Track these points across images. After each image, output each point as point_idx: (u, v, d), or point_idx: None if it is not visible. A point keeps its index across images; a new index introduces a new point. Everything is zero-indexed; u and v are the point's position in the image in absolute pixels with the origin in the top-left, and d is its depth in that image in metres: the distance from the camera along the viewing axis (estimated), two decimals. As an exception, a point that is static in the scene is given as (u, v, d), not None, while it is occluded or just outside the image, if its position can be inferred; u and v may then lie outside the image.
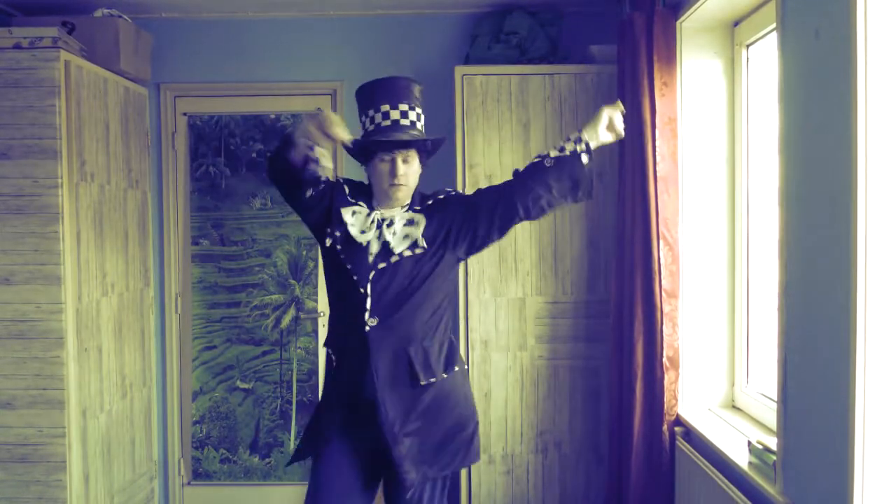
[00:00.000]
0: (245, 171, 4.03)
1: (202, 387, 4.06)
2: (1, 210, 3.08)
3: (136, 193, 3.79)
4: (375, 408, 2.30)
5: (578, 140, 2.35)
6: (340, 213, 2.37)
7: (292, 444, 4.04)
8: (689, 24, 3.00)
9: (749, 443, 2.44)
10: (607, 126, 2.37)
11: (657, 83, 2.99)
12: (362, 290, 2.31)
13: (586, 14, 3.79)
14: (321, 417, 2.44)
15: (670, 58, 3.02)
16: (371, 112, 2.38)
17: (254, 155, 4.03)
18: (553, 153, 2.36)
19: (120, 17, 3.53)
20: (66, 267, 3.10)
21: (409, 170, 2.36)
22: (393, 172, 2.33)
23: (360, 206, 2.40)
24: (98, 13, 3.52)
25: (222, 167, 4.04)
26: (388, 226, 2.36)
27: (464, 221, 2.36)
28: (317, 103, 3.99)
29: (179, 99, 4.02)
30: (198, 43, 3.95)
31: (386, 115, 2.35)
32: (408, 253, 2.33)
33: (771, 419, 2.58)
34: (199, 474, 4.07)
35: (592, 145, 2.36)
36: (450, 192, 2.48)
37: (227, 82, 3.97)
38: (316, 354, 4.03)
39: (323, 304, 4.02)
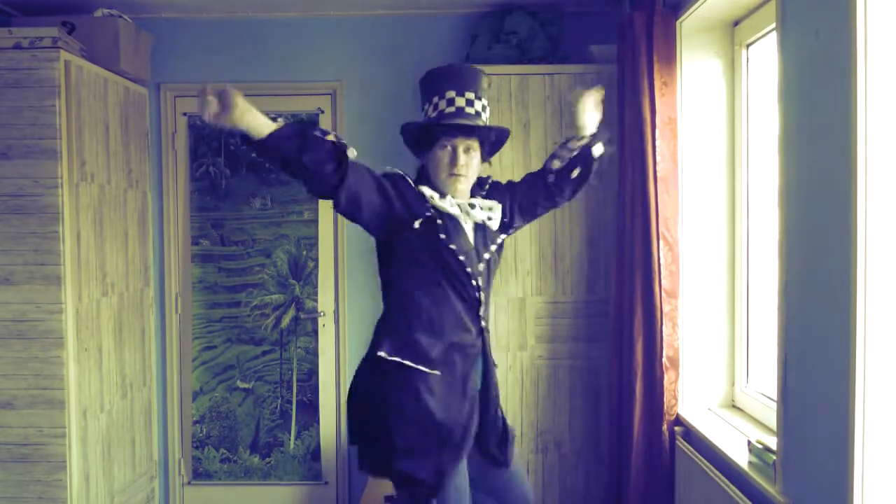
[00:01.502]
0: (245, 172, 4.03)
1: (202, 387, 4.06)
2: (1, 210, 3.08)
3: (136, 193, 3.79)
4: (487, 394, 2.33)
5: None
6: (423, 193, 2.22)
7: (292, 444, 4.04)
8: (689, 24, 3.00)
9: (749, 442, 2.45)
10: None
11: (657, 83, 2.99)
12: (473, 283, 2.24)
13: (586, 14, 3.79)
14: (436, 442, 2.22)
15: (670, 58, 3.02)
16: (435, 99, 2.25)
17: (253, 155, 4.01)
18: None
19: (120, 17, 3.53)
20: (66, 267, 3.10)
21: (471, 161, 2.26)
22: (453, 161, 2.22)
23: (431, 191, 2.26)
24: (98, 13, 3.52)
25: (222, 167, 4.04)
26: (472, 208, 2.28)
27: (509, 204, 2.40)
28: (317, 103, 3.99)
29: (179, 99, 4.02)
30: (198, 43, 3.95)
31: (451, 102, 2.22)
32: (502, 236, 2.36)
33: (771, 419, 2.58)
34: (200, 474, 4.07)
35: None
36: (488, 178, 2.47)
37: (227, 82, 3.95)
38: (316, 354, 4.03)
39: (323, 303, 4.02)
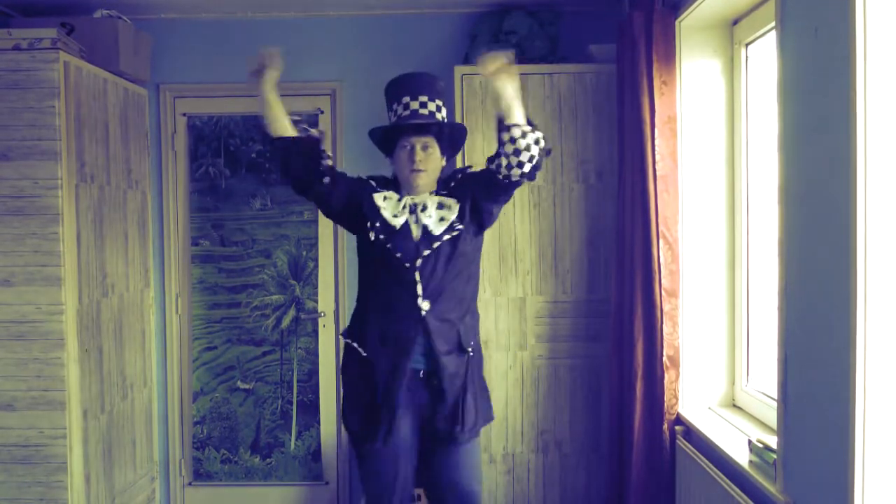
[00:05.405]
0: (245, 172, 4.03)
1: (203, 387, 4.06)
2: (1, 211, 3.08)
3: (135, 194, 3.79)
4: (434, 376, 2.45)
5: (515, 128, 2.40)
6: (374, 202, 2.47)
7: (293, 445, 4.04)
8: (688, 23, 3.00)
9: (749, 441, 2.45)
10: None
11: (656, 82, 2.99)
12: (411, 278, 2.42)
13: (585, 13, 3.79)
14: (365, 404, 2.49)
15: (669, 57, 3.02)
16: (395, 105, 2.53)
17: (253, 155, 4.03)
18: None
19: (119, 17, 3.53)
20: (67, 268, 3.10)
21: (428, 157, 2.48)
22: (412, 158, 2.46)
23: (389, 192, 2.52)
24: (97, 14, 3.53)
25: (222, 167, 4.04)
26: (423, 210, 2.47)
27: (474, 195, 2.48)
28: (317, 103, 3.99)
29: (179, 99, 4.02)
30: (198, 43, 3.95)
31: (406, 106, 2.49)
32: (447, 237, 2.45)
33: (771, 418, 2.58)
34: (200, 475, 4.08)
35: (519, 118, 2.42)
36: (466, 168, 2.61)
37: (226, 82, 3.97)
38: (316, 355, 4.03)
39: (323, 304, 4.02)
